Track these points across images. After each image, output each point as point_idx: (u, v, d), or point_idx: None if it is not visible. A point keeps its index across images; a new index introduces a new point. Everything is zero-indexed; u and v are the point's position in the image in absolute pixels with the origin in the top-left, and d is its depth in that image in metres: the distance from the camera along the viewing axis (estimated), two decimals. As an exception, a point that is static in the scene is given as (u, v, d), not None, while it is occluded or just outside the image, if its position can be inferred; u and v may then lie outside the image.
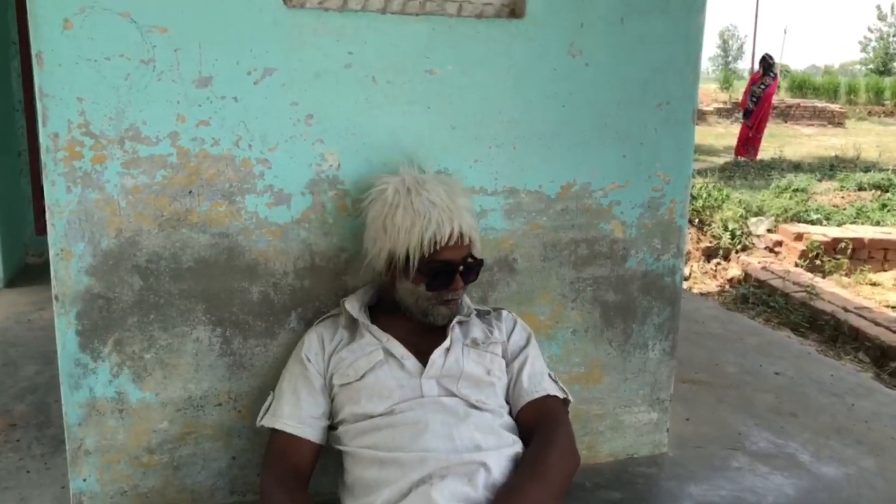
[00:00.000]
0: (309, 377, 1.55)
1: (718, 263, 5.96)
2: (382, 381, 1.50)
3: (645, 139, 1.95)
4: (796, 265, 5.59)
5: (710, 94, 20.09)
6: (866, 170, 9.96)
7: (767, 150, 11.74)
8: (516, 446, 1.46)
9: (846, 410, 2.56)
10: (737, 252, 6.09)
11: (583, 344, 2.03)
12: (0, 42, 3.90)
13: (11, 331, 3.06)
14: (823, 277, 5.35)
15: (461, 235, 1.53)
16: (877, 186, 8.43)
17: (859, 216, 7.08)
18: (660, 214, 2.01)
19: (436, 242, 1.50)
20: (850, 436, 2.36)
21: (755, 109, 11.22)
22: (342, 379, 1.53)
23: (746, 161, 11.14)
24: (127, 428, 1.72)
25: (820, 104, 18.69)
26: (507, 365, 1.61)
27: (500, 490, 1.35)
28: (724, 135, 15.01)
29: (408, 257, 1.51)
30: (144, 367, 1.70)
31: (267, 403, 1.57)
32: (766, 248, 6.14)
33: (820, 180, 9.21)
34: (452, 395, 1.50)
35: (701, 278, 5.68)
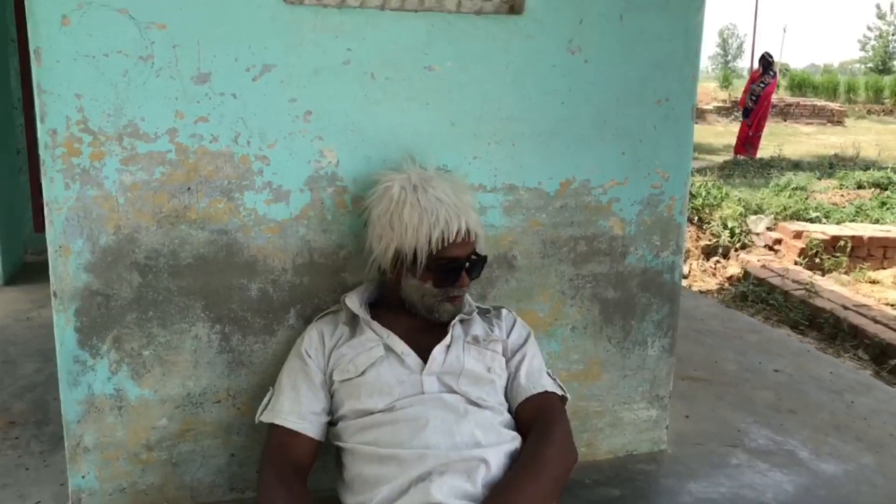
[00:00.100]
0: (309, 373, 1.55)
1: (718, 262, 5.95)
2: (383, 378, 1.50)
3: (644, 136, 1.95)
4: (796, 263, 5.59)
5: (709, 92, 20.09)
6: (866, 168, 9.96)
7: (767, 148, 11.74)
8: (515, 442, 1.46)
9: (845, 407, 2.56)
10: (736, 250, 6.09)
11: (582, 341, 2.02)
12: (-1, 40, 3.90)
13: (10, 329, 3.06)
14: (823, 275, 5.35)
15: (468, 232, 1.54)
16: (876, 184, 8.44)
17: (858, 214, 7.09)
18: (659, 211, 2.01)
19: (444, 239, 1.51)
20: (850, 433, 2.36)
21: (755, 108, 11.23)
22: (342, 375, 1.53)
23: (746, 159, 11.14)
24: (126, 425, 1.72)
25: (819, 103, 18.70)
26: (507, 363, 1.61)
27: (496, 485, 1.35)
28: (723, 133, 15.02)
29: (415, 254, 1.52)
30: (143, 364, 1.70)
31: (266, 399, 1.57)
32: (765, 246, 6.14)
33: (819, 178, 9.22)
34: (453, 391, 1.50)
35: (700, 276, 5.68)
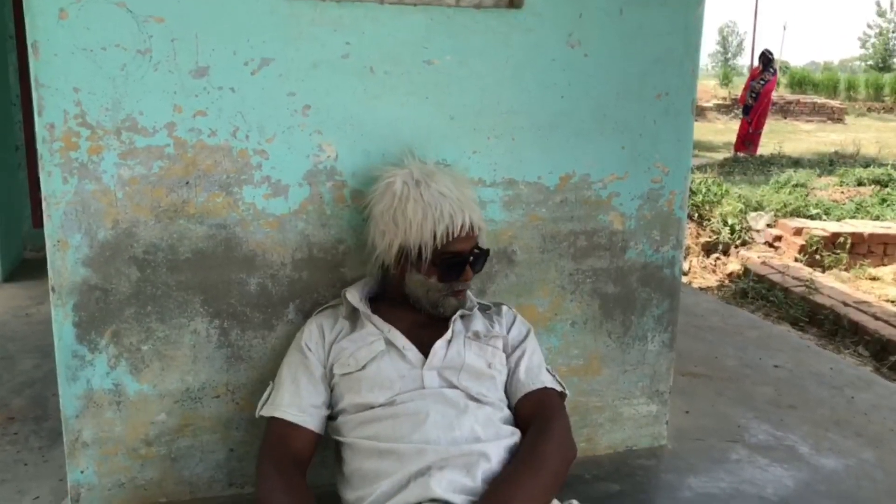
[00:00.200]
0: (309, 366, 1.54)
1: (718, 258, 5.95)
2: (384, 372, 1.49)
3: (644, 130, 1.94)
4: (796, 260, 5.59)
5: (709, 90, 20.08)
6: (866, 165, 9.97)
7: (767, 145, 11.74)
8: (515, 438, 1.46)
9: (845, 403, 2.56)
10: (736, 247, 6.09)
11: (582, 336, 2.02)
12: (-3, 36, 3.89)
13: (9, 325, 3.06)
14: (823, 272, 5.35)
15: (471, 226, 1.55)
16: (876, 181, 8.44)
17: (859, 211, 7.09)
18: (659, 206, 2.01)
19: (448, 234, 1.51)
20: (850, 428, 2.36)
21: (755, 105, 11.23)
22: (343, 368, 1.52)
23: (746, 157, 11.13)
24: (124, 420, 1.71)
25: (819, 100, 18.69)
26: (507, 358, 1.61)
27: (494, 479, 1.34)
28: (723, 131, 15.01)
29: (420, 250, 1.51)
30: (142, 358, 1.70)
31: (266, 394, 1.57)
32: (765, 242, 6.14)
33: (819, 176, 9.21)
34: (453, 386, 1.49)
35: (700, 273, 5.67)
